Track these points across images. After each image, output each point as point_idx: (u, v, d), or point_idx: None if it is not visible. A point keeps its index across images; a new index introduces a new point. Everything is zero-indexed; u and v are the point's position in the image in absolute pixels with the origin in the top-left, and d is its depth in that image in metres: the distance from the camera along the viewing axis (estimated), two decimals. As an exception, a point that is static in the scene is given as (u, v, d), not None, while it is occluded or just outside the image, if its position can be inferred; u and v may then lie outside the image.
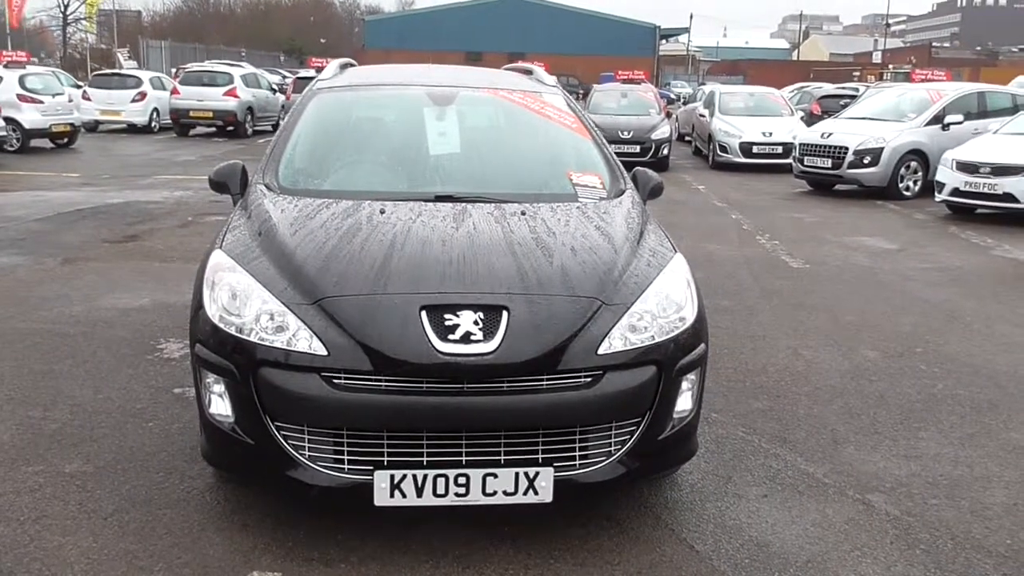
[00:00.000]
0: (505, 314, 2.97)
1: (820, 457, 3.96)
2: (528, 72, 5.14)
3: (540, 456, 2.96)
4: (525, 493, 2.92)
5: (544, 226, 3.49)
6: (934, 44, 76.45)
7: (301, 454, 2.95)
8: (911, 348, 5.68)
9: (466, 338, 2.91)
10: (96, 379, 4.73)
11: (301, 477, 2.94)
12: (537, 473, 2.91)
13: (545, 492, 2.92)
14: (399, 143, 4.30)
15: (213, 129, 22.06)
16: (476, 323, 2.93)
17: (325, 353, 2.90)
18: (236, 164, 4.22)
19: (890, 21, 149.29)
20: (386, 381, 2.88)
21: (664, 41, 65.53)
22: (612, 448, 3.04)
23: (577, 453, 3.00)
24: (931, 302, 6.98)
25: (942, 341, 5.83)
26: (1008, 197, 10.68)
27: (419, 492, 2.88)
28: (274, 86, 24.64)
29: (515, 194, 3.81)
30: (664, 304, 3.21)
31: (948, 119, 13.50)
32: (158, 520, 3.28)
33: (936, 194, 11.58)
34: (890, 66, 47.99)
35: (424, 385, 2.88)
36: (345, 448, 2.93)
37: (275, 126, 24.00)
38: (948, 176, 11.30)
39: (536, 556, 3.08)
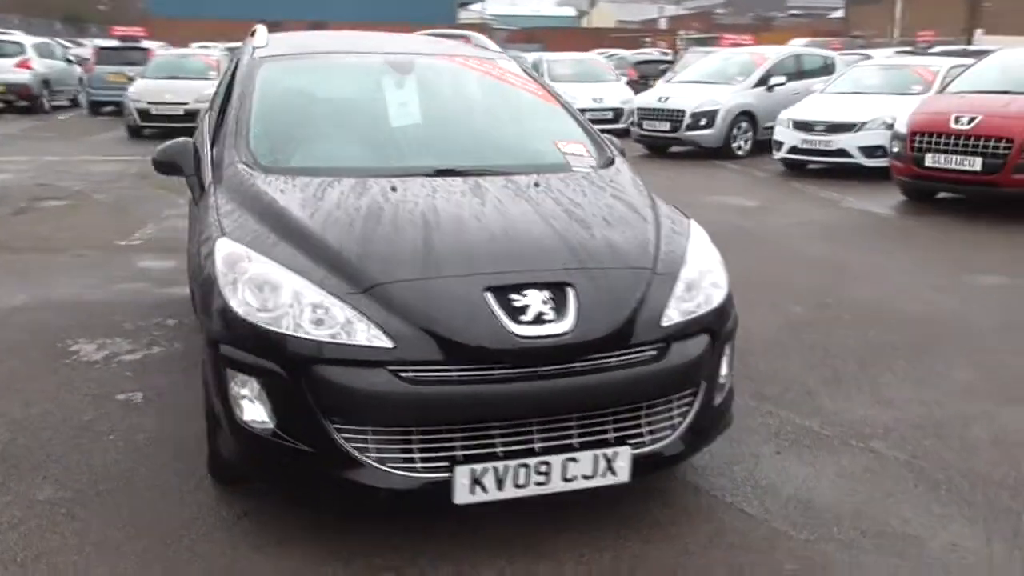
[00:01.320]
0: (570, 291, 2.84)
1: (806, 410, 4.10)
2: (466, 39, 4.95)
3: (612, 436, 2.87)
4: (603, 475, 2.82)
5: (565, 198, 3.37)
6: (716, 11, 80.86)
7: (367, 456, 2.70)
8: (823, 300, 5.98)
9: (539, 319, 2.76)
10: (18, 391, 4.17)
11: (368, 480, 2.70)
12: (616, 453, 2.82)
13: (623, 472, 2.84)
14: (369, 114, 4.01)
15: (2, 105, 19.93)
16: (545, 302, 2.79)
17: (391, 345, 2.67)
18: (186, 142, 3.81)
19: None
20: (457, 371, 2.69)
21: (462, 8, 65.50)
22: (675, 421, 3.00)
23: (645, 429, 2.94)
24: (815, 256, 7.39)
25: (846, 292, 6.18)
26: (842, 152, 11.48)
27: (500, 485, 2.72)
28: (70, 57, 22.51)
29: (512, 165, 3.65)
30: (701, 270, 3.19)
31: (772, 81, 14.33)
32: (179, 546, 2.93)
33: (774, 152, 12.28)
34: (681, 32, 50.26)
35: (495, 372, 2.71)
36: (415, 445, 2.72)
37: (73, 101, 22.04)
38: (786, 135, 11.99)
39: (604, 538, 3.00)
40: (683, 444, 2.99)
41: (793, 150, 11.91)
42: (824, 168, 11.89)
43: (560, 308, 2.80)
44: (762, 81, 14.33)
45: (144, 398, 4.13)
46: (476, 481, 2.69)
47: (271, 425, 2.79)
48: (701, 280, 3.13)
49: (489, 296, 2.77)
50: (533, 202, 3.29)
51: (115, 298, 5.80)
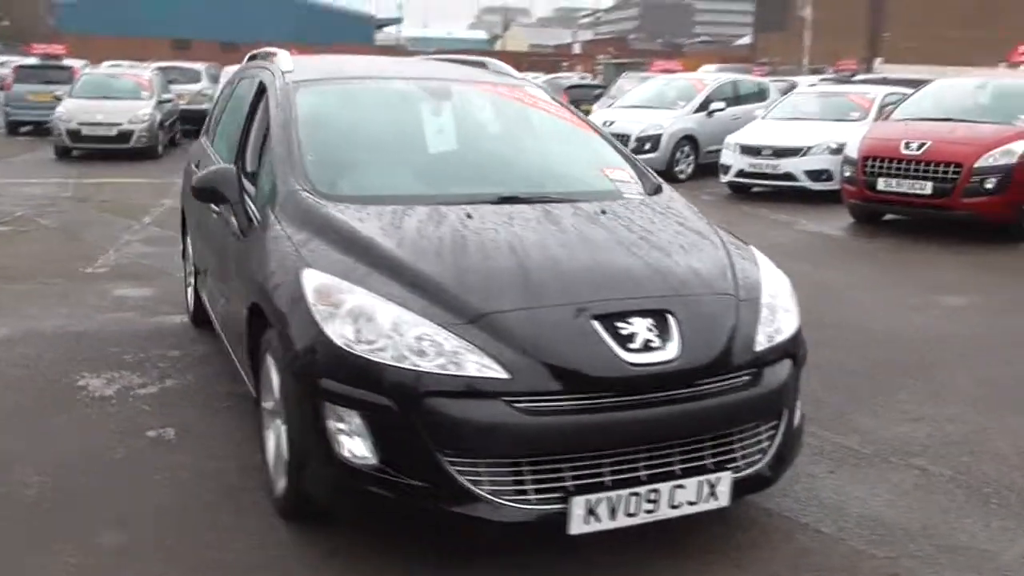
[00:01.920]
0: (671, 318, 2.86)
1: (842, 430, 4.20)
2: (482, 65, 4.95)
3: (710, 462, 2.89)
4: (706, 500, 2.84)
5: (636, 225, 3.40)
6: (630, 36, 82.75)
7: (480, 488, 2.66)
8: (819, 320, 6.11)
9: (647, 346, 2.77)
10: (36, 430, 3.96)
11: (484, 514, 2.65)
12: (719, 479, 2.84)
13: (724, 497, 2.87)
14: (416, 140, 3.97)
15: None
16: (650, 329, 2.81)
17: (507, 376, 2.64)
18: (229, 169, 3.70)
19: (579, 15, 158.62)
20: (571, 400, 2.68)
21: (379, 31, 65.41)
22: (764, 445, 3.04)
23: (739, 454, 2.97)
24: (792, 276, 7.57)
25: (834, 312, 6.35)
26: (788, 176, 11.85)
27: (612, 514, 2.71)
28: (-16, 76, 21.54)
29: (569, 192, 3.66)
30: (774, 295, 3.25)
31: (712, 106, 14.72)
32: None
33: (721, 175, 12.59)
34: (600, 56, 51.22)
35: (608, 400, 2.71)
36: (527, 476, 2.69)
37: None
38: (733, 159, 12.31)
39: (693, 561, 3.01)
40: (772, 468, 3.04)
41: (740, 173, 12.23)
42: (767, 192, 12.25)
43: (663, 335, 2.82)
44: (703, 106, 14.70)
45: (176, 434, 3.96)
46: (591, 511, 2.68)
47: (374, 460, 2.72)
48: (776, 305, 3.19)
49: (596, 324, 2.77)
50: (608, 229, 3.31)
51: (104, 328, 5.56)
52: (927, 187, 9.09)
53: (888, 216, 10.03)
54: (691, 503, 2.82)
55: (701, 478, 2.81)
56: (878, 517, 3.37)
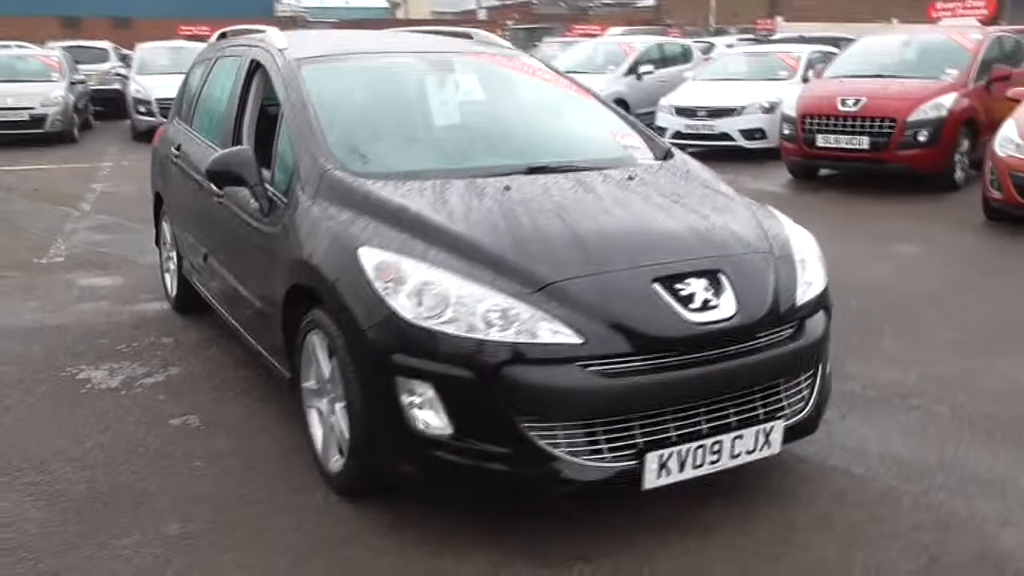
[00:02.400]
0: (723, 277, 2.98)
1: (839, 376, 4.31)
2: (468, 36, 4.95)
3: (761, 412, 3.03)
4: (761, 449, 2.99)
5: (665, 189, 3.51)
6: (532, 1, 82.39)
7: (560, 451, 2.75)
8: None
9: (705, 305, 2.89)
10: (56, 427, 3.87)
11: (567, 474, 2.74)
12: (772, 427, 3.00)
13: (776, 444, 3.03)
14: (431, 114, 3.99)
15: None
16: (706, 289, 2.92)
17: (580, 340, 2.72)
18: (246, 151, 3.66)
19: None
20: (638, 361, 2.78)
21: (278, 2, 63.59)
22: (804, 393, 3.20)
23: (786, 403, 3.13)
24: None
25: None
26: (725, 136, 12.15)
27: (682, 467, 2.84)
28: None
29: (590, 159, 3.74)
30: (803, 250, 3.39)
31: (641, 69, 14.91)
32: (351, 560, 2.87)
33: (657, 138, 12.80)
34: (509, 22, 51.01)
35: (674, 359, 2.82)
36: (601, 436, 2.79)
37: None
38: (669, 120, 12.54)
39: (742, 504, 3.17)
40: (814, 414, 3.20)
41: (677, 135, 12.43)
42: (703, 151, 12.51)
43: (717, 294, 2.94)
44: (631, 70, 14.88)
45: (201, 421, 3.93)
46: (662, 466, 2.80)
47: (449, 430, 2.78)
48: (807, 260, 3.35)
49: (657, 286, 2.88)
50: (642, 195, 3.40)
51: (83, 320, 5.42)
52: (864, 142, 9.46)
53: (823, 171, 10.42)
54: (749, 452, 2.97)
55: (757, 428, 2.96)
56: (897, 455, 3.59)
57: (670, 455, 2.80)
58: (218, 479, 3.40)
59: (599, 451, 2.78)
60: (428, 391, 2.78)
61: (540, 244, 2.96)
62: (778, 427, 3.01)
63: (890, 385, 4.31)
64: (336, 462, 3.25)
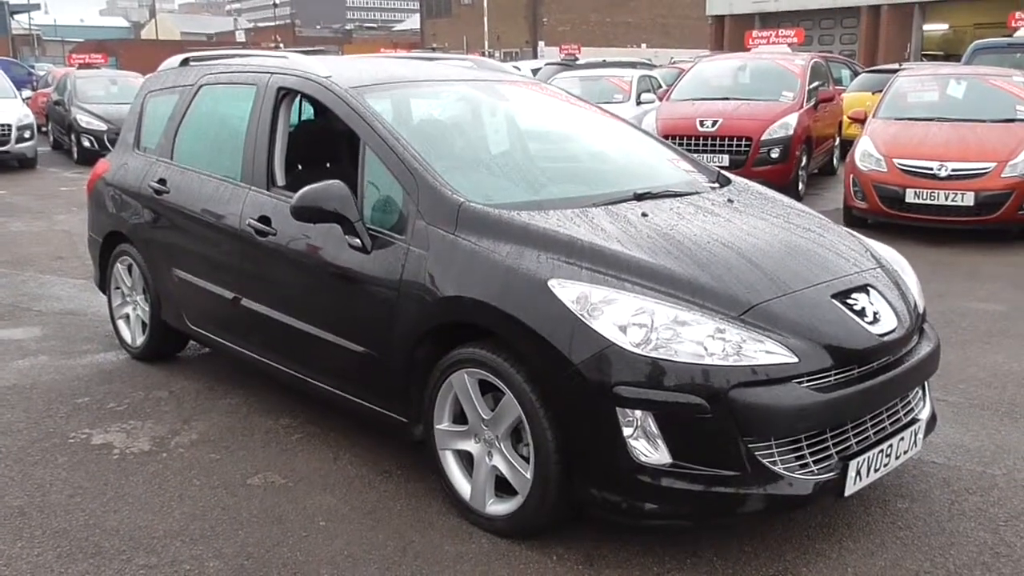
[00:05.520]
0: (873, 291, 3.19)
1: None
2: (467, 61, 4.90)
3: (909, 415, 3.27)
4: (910, 448, 3.22)
5: (767, 210, 3.68)
6: (296, 22, 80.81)
7: (778, 468, 2.83)
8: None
9: (875, 318, 3.08)
10: (115, 500, 3.43)
11: (788, 491, 2.82)
12: (918, 427, 3.24)
13: (919, 442, 3.27)
14: (516, 144, 3.92)
15: None
16: (871, 303, 3.12)
17: (795, 359, 2.82)
18: (340, 185, 3.43)
19: (226, 1, 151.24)
20: (837, 373, 2.93)
21: (14, 18, 58.21)
22: (922, 393, 3.47)
23: (926, 403, 3.39)
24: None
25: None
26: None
27: (869, 472, 3.00)
28: None
29: (673, 185, 3.83)
30: (895, 260, 3.66)
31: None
32: None
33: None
34: (271, 45, 49.70)
35: (866, 369, 2.99)
36: (806, 449, 2.90)
37: None
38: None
39: (876, 501, 3.40)
40: (934, 411, 3.48)
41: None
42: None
43: (876, 306, 3.14)
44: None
45: (282, 476, 3.63)
46: (858, 472, 2.95)
47: (668, 458, 2.78)
48: (904, 268, 3.62)
49: (837, 303, 3.04)
50: (758, 217, 3.55)
51: (36, 379, 4.78)
52: (724, 159, 10.18)
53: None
54: (905, 452, 3.18)
55: (913, 427, 3.19)
56: (960, 443, 3.96)
57: (863, 461, 2.96)
58: (359, 535, 3.16)
59: (806, 464, 2.89)
60: (648, 419, 2.77)
61: (723, 268, 3.03)
62: (920, 426, 3.25)
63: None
64: (496, 503, 3.14)
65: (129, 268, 5.01)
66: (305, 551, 3.07)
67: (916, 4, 27.53)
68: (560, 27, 57.39)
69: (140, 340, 5.02)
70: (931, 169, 8.21)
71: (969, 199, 8.05)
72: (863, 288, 3.18)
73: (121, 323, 5.17)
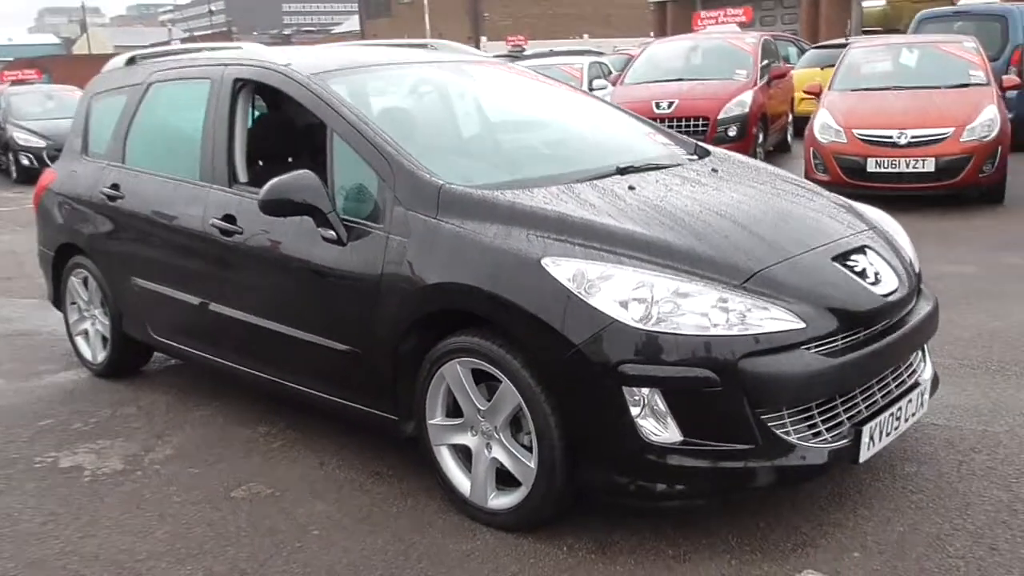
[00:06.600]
0: (871, 252, 3.10)
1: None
2: (425, 46, 4.73)
3: (916, 373, 3.19)
4: (918, 411, 3.14)
5: (754, 178, 3.58)
6: (233, 29, 79.60)
7: (792, 437, 2.72)
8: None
9: (877, 279, 2.99)
10: (90, 524, 3.22)
11: (804, 460, 2.71)
12: (924, 388, 3.16)
13: (925, 403, 3.19)
14: (478, 125, 3.77)
15: None
16: (871, 264, 3.03)
17: (803, 325, 2.72)
18: (310, 175, 3.25)
19: (159, 11, 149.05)
20: (844, 337, 2.83)
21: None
22: (925, 352, 3.39)
23: (927, 364, 3.31)
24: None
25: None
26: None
27: (880, 436, 2.91)
28: None
29: (655, 158, 3.71)
30: (887, 222, 3.58)
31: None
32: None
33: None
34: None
35: (872, 331, 2.90)
36: (818, 418, 2.80)
37: None
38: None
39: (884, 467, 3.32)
40: (935, 371, 3.40)
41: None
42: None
43: (876, 267, 3.05)
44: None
45: (268, 486, 3.44)
46: (871, 438, 2.86)
47: (678, 435, 2.66)
48: (896, 230, 3.53)
49: (838, 265, 2.94)
50: (745, 184, 3.45)
51: (-6, 403, 4.55)
52: (683, 140, 10.12)
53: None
54: (913, 414, 3.10)
55: (919, 389, 3.11)
56: (958, 403, 3.89)
57: (876, 426, 2.87)
58: (357, 542, 3.00)
59: (818, 433, 2.79)
60: (655, 397, 2.64)
61: (720, 237, 2.92)
62: (925, 387, 3.18)
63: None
64: (499, 496, 2.99)
65: (85, 281, 4.77)
66: (302, 563, 2.89)
67: (853, -19, 27.89)
68: (502, 21, 57.30)
69: (101, 356, 4.79)
70: (891, 137, 8.22)
71: (930, 165, 8.08)
72: (861, 250, 3.09)
73: (80, 339, 4.93)
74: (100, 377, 4.83)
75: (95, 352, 4.84)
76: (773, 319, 2.70)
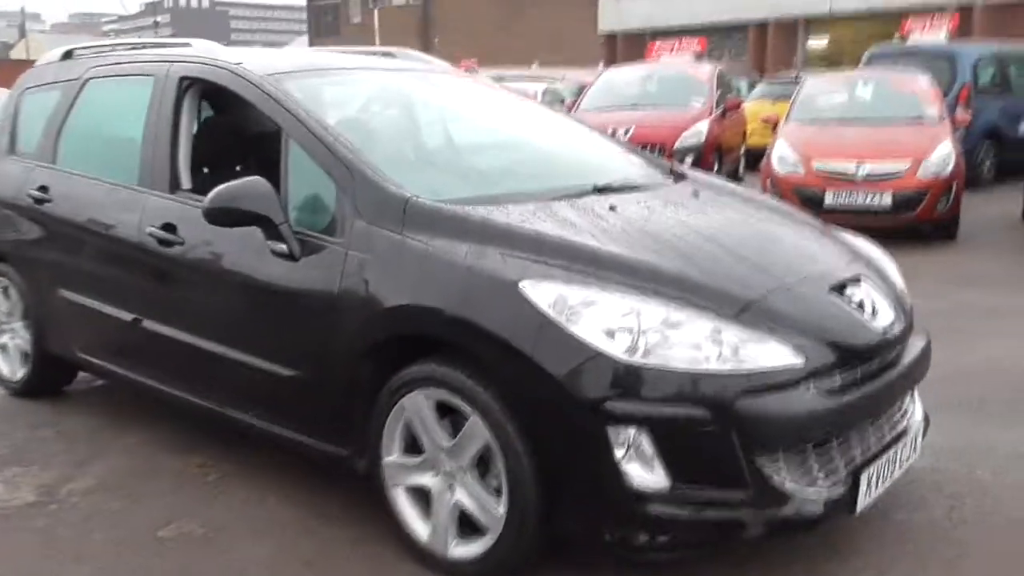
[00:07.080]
0: (866, 284, 2.90)
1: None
2: (391, 54, 4.47)
3: (908, 414, 2.99)
4: (911, 455, 2.93)
5: (735, 200, 3.39)
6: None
7: (789, 484, 2.48)
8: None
9: (874, 311, 2.79)
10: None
11: (795, 511, 2.47)
12: (918, 430, 2.97)
13: (919, 447, 2.99)
14: (449, 135, 3.50)
15: None
16: (867, 296, 2.83)
17: (801, 360, 2.49)
18: (262, 182, 2.95)
19: (102, 21, 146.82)
20: (850, 373, 2.61)
21: None
22: (914, 392, 3.19)
23: (917, 404, 3.11)
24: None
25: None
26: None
27: (877, 483, 2.69)
28: None
29: (631, 178, 3.48)
30: (876, 252, 3.39)
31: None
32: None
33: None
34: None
35: (872, 368, 2.69)
36: (813, 462, 2.57)
37: None
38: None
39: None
40: (926, 413, 3.19)
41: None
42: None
43: (871, 299, 2.85)
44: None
45: (200, 525, 3.10)
46: (868, 484, 2.64)
47: (666, 481, 2.41)
48: (885, 260, 3.35)
49: (835, 296, 2.73)
50: (729, 209, 3.25)
51: None
52: (639, 167, 9.99)
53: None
54: (906, 459, 2.89)
55: (915, 432, 2.91)
56: (942, 445, 3.62)
57: (872, 472, 2.65)
58: None
59: (815, 479, 2.56)
60: (642, 438, 2.39)
61: (710, 262, 2.69)
62: (919, 429, 2.98)
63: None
64: (461, 545, 2.70)
65: (5, 291, 4.37)
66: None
67: (800, 21, 28.39)
68: (452, 47, 57.34)
69: (21, 373, 4.38)
70: (849, 171, 8.17)
71: (887, 199, 8.04)
72: (855, 280, 2.89)
73: (-1, 357, 4.51)
74: (18, 396, 4.42)
75: (14, 369, 4.42)
76: (770, 353, 2.48)
